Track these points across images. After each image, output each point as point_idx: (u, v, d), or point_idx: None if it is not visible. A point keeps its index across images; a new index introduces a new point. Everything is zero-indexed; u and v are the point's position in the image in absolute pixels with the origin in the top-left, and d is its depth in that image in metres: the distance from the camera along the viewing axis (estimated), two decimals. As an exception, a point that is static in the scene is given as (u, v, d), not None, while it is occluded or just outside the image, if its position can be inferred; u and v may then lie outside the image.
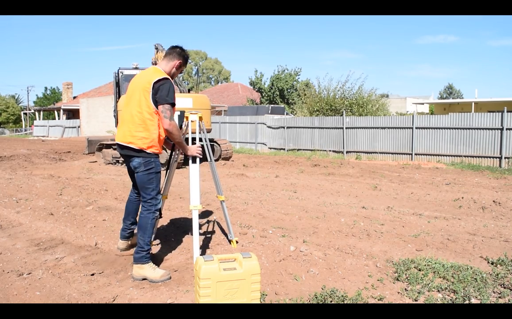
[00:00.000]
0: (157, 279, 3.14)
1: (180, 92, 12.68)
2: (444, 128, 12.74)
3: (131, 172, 3.45)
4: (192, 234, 3.49)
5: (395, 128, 13.81)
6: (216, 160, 12.68)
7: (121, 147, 3.34)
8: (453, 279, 3.13)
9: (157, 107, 3.20)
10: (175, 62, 3.41)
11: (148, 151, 3.23)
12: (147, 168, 3.25)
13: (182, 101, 11.76)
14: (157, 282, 3.13)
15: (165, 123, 3.19)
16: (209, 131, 12.82)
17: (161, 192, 3.84)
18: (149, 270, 3.20)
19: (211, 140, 13.01)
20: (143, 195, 3.32)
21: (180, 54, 3.44)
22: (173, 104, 3.21)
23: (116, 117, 11.86)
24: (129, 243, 3.80)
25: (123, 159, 3.46)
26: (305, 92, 19.82)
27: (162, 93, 3.16)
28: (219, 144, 12.89)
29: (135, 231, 3.58)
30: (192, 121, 3.61)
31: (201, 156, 3.47)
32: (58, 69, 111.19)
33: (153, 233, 3.59)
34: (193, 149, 3.45)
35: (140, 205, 3.41)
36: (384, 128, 14.06)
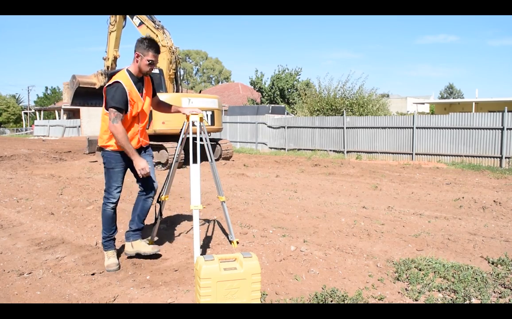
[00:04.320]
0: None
1: (177, 91, 12.56)
2: (445, 128, 12.73)
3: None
4: (192, 234, 3.49)
5: (396, 128, 13.80)
6: (216, 160, 12.69)
7: None
8: (454, 279, 3.13)
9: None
10: (135, 56, 3.36)
11: (106, 149, 3.42)
12: (104, 163, 3.49)
13: (208, 101, 11.98)
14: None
15: (109, 125, 3.25)
16: (219, 130, 12.84)
17: (163, 191, 3.85)
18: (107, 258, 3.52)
19: (216, 141, 13.01)
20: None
21: (137, 46, 3.34)
22: (117, 108, 3.21)
23: None
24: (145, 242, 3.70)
25: None
26: (306, 92, 19.81)
27: (107, 98, 3.27)
28: (219, 144, 12.90)
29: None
30: (193, 122, 3.60)
31: (144, 176, 3.39)
32: (58, 69, 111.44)
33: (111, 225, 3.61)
34: (141, 165, 3.34)
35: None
36: (385, 128, 14.05)
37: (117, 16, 12.62)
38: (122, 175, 3.49)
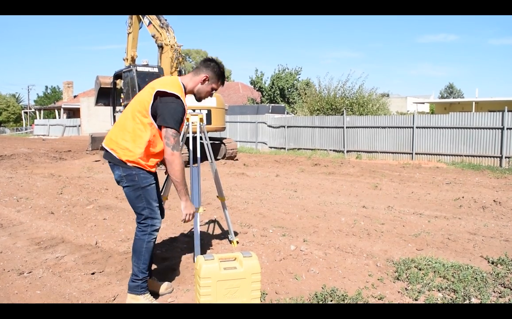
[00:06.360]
0: None
1: None
2: (445, 128, 12.73)
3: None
4: (192, 233, 3.49)
5: (396, 127, 13.79)
6: (222, 159, 12.69)
7: (105, 150, 2.74)
8: (454, 279, 3.13)
9: (157, 124, 2.59)
10: (201, 77, 2.79)
11: (129, 165, 2.63)
12: (130, 183, 2.65)
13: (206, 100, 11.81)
14: None
15: (167, 152, 2.55)
16: (220, 130, 12.66)
17: (164, 192, 3.76)
18: (144, 302, 2.71)
19: (221, 140, 12.95)
20: (136, 214, 2.74)
21: (208, 66, 2.81)
22: (178, 131, 2.57)
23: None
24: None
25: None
26: (306, 91, 19.81)
27: (165, 112, 2.54)
28: (224, 143, 12.83)
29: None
30: (193, 123, 3.60)
31: (187, 222, 2.75)
32: (58, 68, 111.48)
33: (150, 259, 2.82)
34: (191, 210, 2.71)
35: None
36: (385, 127, 14.04)
37: (133, 19, 12.90)
38: (157, 190, 2.82)
